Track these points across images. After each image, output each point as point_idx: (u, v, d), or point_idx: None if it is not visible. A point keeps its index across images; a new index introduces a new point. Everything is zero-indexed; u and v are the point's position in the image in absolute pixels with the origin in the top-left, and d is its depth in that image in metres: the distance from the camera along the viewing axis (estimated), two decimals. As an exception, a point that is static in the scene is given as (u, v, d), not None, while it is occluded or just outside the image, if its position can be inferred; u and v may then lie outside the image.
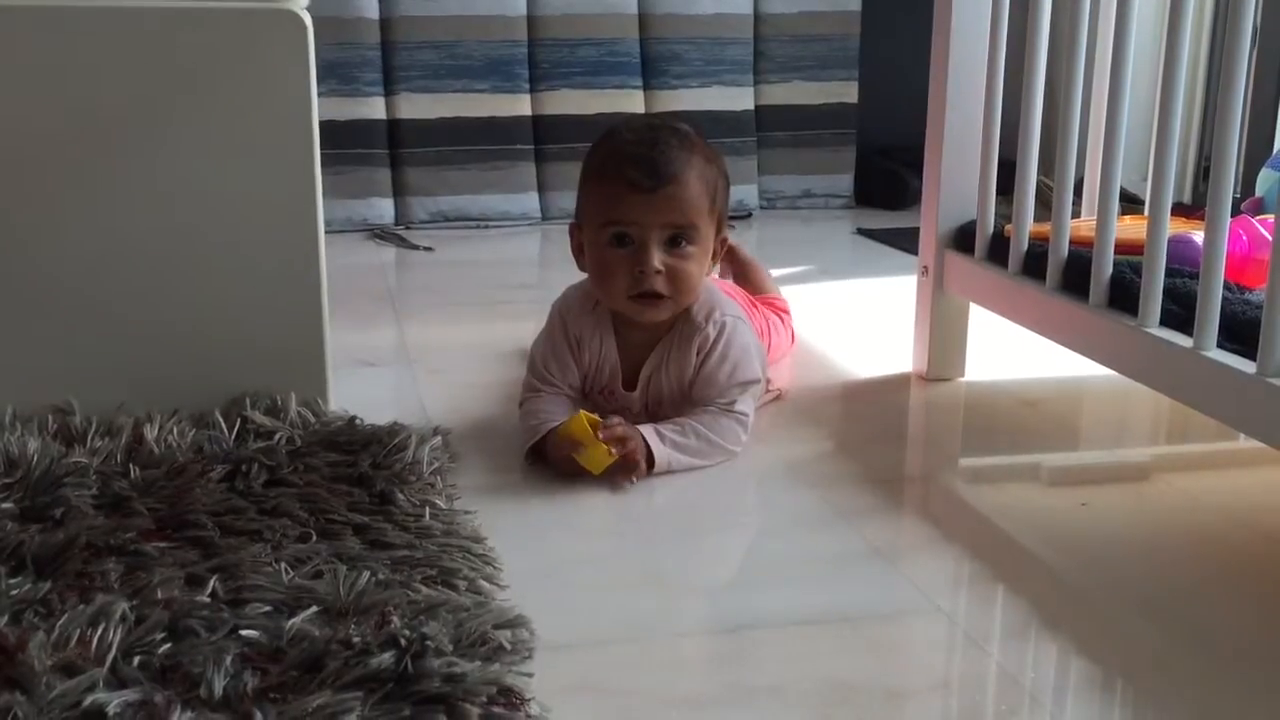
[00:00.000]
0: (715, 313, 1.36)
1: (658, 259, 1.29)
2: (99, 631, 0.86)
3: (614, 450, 1.23)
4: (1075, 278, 1.39)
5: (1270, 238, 1.38)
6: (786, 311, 1.75)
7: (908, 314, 1.69)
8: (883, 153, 3.07)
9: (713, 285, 1.39)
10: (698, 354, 1.34)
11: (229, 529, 1.07)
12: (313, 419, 1.32)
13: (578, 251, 1.37)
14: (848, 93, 3.01)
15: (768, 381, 1.51)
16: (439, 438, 1.28)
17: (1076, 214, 1.51)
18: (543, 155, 2.81)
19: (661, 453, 1.27)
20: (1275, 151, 1.97)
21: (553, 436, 1.27)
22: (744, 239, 1.78)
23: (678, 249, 1.31)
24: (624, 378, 1.38)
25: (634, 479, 1.25)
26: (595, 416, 1.25)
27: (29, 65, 1.27)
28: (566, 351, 1.38)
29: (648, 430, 1.28)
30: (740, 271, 1.84)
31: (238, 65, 1.31)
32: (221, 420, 1.29)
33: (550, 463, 1.28)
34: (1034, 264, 1.46)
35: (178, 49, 1.30)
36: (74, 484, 1.12)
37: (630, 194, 1.28)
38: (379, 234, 2.65)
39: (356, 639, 0.86)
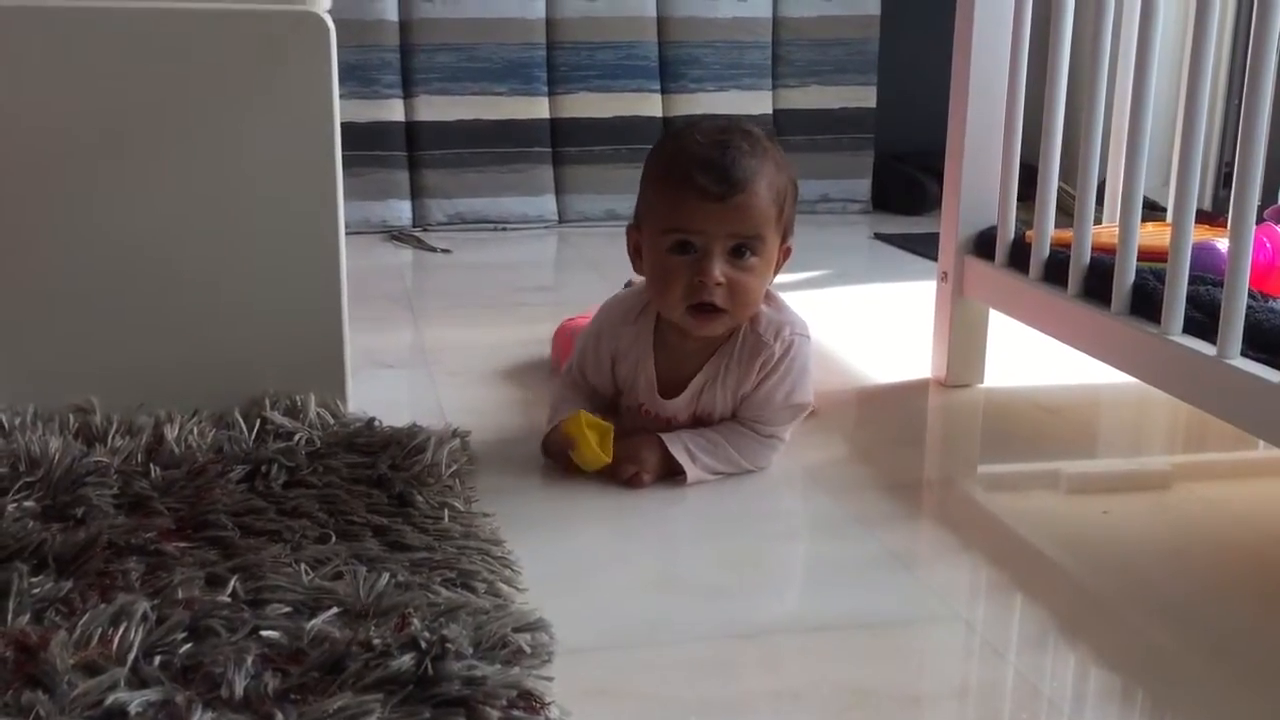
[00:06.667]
0: (785, 330, 1.31)
1: (719, 270, 1.23)
2: (120, 631, 0.87)
3: (621, 464, 1.26)
4: (1097, 284, 1.38)
5: (1293, 245, 1.38)
6: None
7: (926, 319, 1.69)
8: (900, 158, 3.07)
9: (782, 298, 1.34)
10: (760, 370, 1.31)
11: (249, 529, 1.07)
12: (331, 420, 1.33)
13: (634, 254, 1.32)
14: (866, 97, 3.01)
15: None
16: (457, 440, 1.28)
17: (1098, 220, 1.50)
18: (560, 158, 2.82)
19: (693, 473, 1.27)
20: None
21: (554, 433, 1.30)
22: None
23: (740, 260, 1.24)
24: (661, 387, 1.33)
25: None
26: (595, 419, 1.26)
27: (51, 66, 1.28)
28: (597, 365, 1.36)
29: (678, 450, 1.27)
30: None
31: (260, 67, 1.32)
32: (241, 421, 1.29)
33: (551, 457, 1.32)
34: (1055, 270, 1.46)
35: (200, 51, 1.31)
36: (95, 483, 1.13)
37: (697, 201, 1.22)
38: (397, 236, 2.66)
39: (377, 641, 0.86)
